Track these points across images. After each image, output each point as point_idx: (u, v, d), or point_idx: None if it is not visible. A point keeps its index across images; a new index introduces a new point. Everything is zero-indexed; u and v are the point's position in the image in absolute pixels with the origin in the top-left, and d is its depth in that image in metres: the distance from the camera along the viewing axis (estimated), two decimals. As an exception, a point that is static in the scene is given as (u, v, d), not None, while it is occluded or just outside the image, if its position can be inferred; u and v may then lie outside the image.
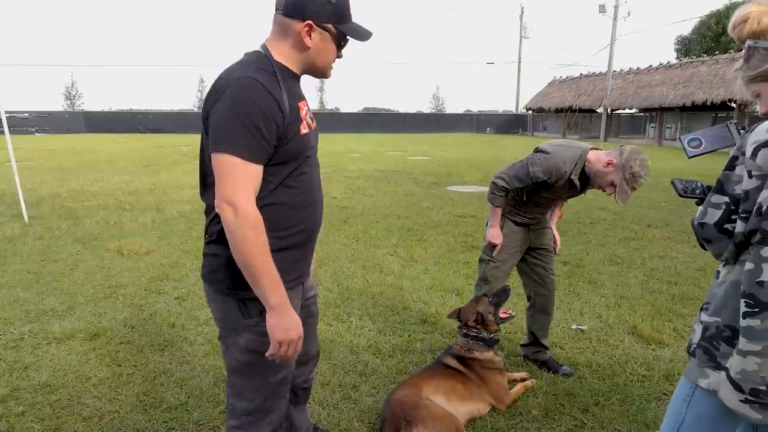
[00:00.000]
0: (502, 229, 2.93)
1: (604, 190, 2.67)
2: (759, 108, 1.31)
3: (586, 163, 2.67)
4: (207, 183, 1.54)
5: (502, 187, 2.76)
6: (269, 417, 1.68)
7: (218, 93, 1.42)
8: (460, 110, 68.08)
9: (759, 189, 1.17)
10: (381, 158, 16.93)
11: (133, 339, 3.43)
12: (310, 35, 1.50)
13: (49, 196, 8.86)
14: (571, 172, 2.66)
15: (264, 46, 1.55)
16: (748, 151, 1.19)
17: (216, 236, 1.53)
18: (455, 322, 2.86)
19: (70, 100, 57.55)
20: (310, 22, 1.48)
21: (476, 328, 2.71)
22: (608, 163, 2.60)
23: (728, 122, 1.49)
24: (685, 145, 1.53)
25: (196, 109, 56.29)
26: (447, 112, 61.41)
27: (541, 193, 2.82)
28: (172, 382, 2.89)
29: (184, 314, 3.83)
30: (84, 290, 4.33)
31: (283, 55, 1.53)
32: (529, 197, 2.86)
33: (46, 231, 6.34)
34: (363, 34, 1.58)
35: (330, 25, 1.52)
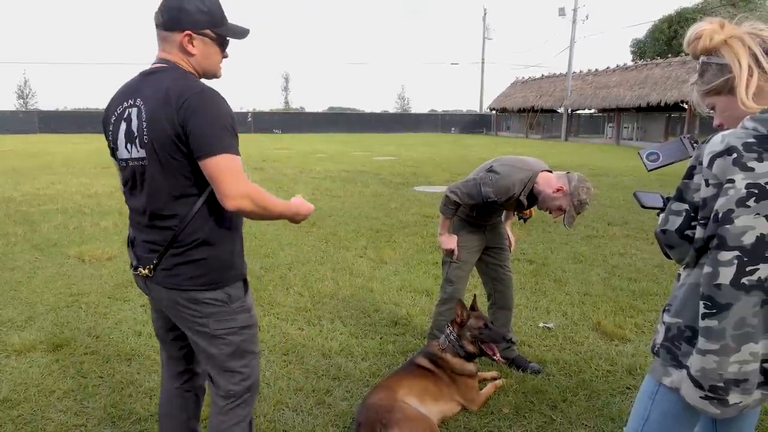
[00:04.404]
0: (458, 232, 3.03)
1: (550, 212, 2.82)
2: (714, 120, 1.39)
3: (534, 185, 2.80)
4: (173, 196, 1.63)
5: (454, 201, 2.88)
6: (257, 388, 1.89)
7: (187, 106, 1.53)
8: (425, 110, 68.58)
9: (715, 197, 1.23)
10: (347, 158, 16.90)
11: (98, 349, 3.34)
12: (192, 43, 1.64)
13: (2, 200, 8.50)
14: (520, 194, 2.79)
15: (164, 60, 1.66)
16: (705, 161, 1.25)
17: (201, 239, 1.65)
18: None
19: (23, 98, 55.10)
20: (188, 32, 1.62)
21: (456, 332, 2.76)
22: (558, 189, 2.74)
23: (682, 136, 1.57)
24: (644, 159, 1.60)
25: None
26: (412, 111, 61.73)
27: (490, 208, 2.96)
28: (141, 392, 2.83)
29: (150, 322, 3.73)
30: (44, 299, 4.18)
31: (183, 65, 1.67)
32: (478, 209, 2.98)
33: (1, 237, 6.09)
34: (241, 33, 1.74)
35: (208, 31, 1.66)
